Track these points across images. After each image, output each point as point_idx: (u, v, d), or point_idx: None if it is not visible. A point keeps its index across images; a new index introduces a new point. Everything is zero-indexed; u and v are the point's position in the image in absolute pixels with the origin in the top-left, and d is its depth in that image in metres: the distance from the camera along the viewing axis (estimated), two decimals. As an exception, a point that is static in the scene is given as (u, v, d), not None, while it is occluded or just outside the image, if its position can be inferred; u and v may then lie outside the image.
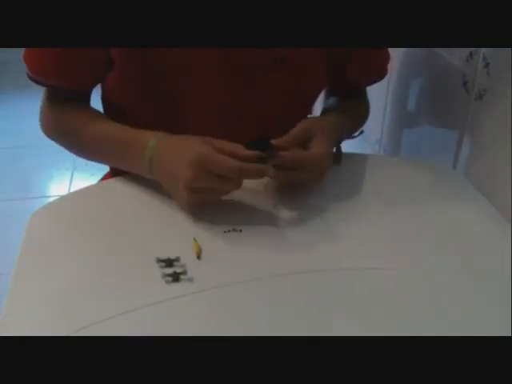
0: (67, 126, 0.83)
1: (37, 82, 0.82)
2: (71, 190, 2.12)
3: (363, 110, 0.97)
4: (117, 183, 0.78)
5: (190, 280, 0.61)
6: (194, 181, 0.67)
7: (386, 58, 0.93)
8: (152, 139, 0.73)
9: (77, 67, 0.81)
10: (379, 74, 0.94)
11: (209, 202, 0.71)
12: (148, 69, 0.80)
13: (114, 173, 0.94)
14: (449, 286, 0.62)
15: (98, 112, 0.84)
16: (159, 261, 0.63)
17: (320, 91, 0.96)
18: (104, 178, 0.96)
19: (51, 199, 0.80)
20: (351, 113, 0.91)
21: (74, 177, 2.22)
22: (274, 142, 0.71)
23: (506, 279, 0.62)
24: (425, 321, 0.57)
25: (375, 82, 0.95)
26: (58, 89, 0.83)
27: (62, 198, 0.83)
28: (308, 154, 0.73)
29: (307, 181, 0.75)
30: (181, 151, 0.70)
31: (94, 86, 0.85)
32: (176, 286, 0.60)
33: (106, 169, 0.97)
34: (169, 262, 0.62)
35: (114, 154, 0.79)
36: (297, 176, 0.73)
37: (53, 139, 0.87)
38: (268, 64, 0.82)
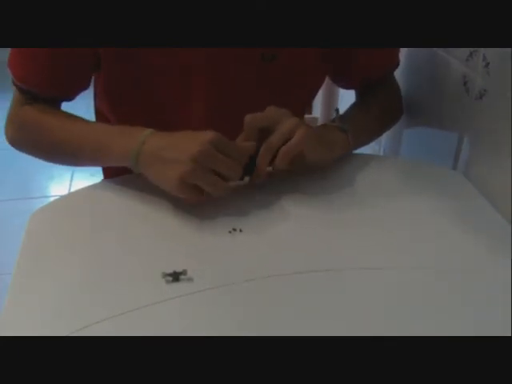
0: (44, 124, 0.81)
1: (21, 89, 0.82)
2: (71, 190, 2.12)
3: (384, 97, 0.95)
4: (117, 183, 0.78)
5: (190, 280, 0.61)
6: (201, 156, 0.66)
7: (393, 49, 0.92)
8: (150, 129, 0.72)
9: (62, 74, 0.81)
10: (388, 64, 0.94)
11: (199, 193, 0.69)
12: (135, 70, 0.80)
13: (109, 174, 0.94)
14: (449, 286, 0.62)
15: (71, 113, 0.84)
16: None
17: (316, 90, 0.95)
18: (104, 178, 0.96)
19: (51, 199, 0.80)
20: (364, 106, 0.91)
21: (74, 177, 2.22)
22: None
23: (506, 279, 0.62)
24: (425, 321, 0.57)
25: (387, 73, 0.95)
26: (39, 95, 0.82)
27: (62, 198, 0.83)
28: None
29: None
30: (188, 132, 0.70)
31: (77, 93, 0.85)
32: (176, 286, 0.60)
33: (106, 169, 0.97)
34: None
35: (99, 140, 0.76)
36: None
37: (24, 146, 0.85)
38: (256, 59, 0.81)
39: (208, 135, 0.67)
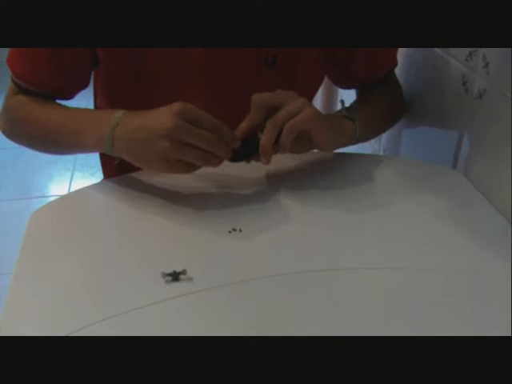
0: (31, 111, 0.81)
1: (20, 86, 0.82)
2: (71, 190, 2.12)
3: (384, 95, 0.95)
4: (117, 183, 0.78)
5: (190, 280, 0.61)
6: (173, 131, 0.66)
7: (393, 49, 0.93)
8: (121, 111, 0.72)
9: (61, 73, 0.81)
10: (387, 65, 0.94)
11: (188, 167, 0.69)
12: (135, 70, 0.80)
13: (109, 174, 0.94)
14: (448, 286, 0.62)
15: (60, 103, 0.84)
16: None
17: (316, 90, 0.96)
18: (104, 178, 0.96)
19: (51, 199, 0.80)
20: (366, 102, 0.91)
21: (74, 177, 2.22)
22: (238, 131, 0.72)
23: (506, 279, 0.62)
24: (425, 321, 0.57)
25: (386, 73, 0.95)
26: (38, 93, 0.82)
27: (62, 198, 0.83)
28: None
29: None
30: (156, 110, 0.69)
31: (75, 92, 0.85)
32: (176, 286, 0.60)
33: (105, 169, 0.97)
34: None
35: (76, 125, 0.76)
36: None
37: (15, 135, 0.85)
38: (259, 63, 0.81)
39: (175, 107, 0.67)
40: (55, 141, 0.80)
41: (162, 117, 0.67)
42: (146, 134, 0.68)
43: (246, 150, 0.73)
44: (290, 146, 0.71)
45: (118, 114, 0.71)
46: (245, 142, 0.72)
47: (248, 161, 0.74)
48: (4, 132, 0.86)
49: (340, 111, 0.83)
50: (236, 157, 0.72)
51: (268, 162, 0.72)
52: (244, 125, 0.72)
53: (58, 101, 0.85)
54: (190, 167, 0.70)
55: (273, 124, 0.70)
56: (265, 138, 0.71)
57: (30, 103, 0.82)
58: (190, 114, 0.67)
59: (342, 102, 0.86)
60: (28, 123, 0.82)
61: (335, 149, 0.80)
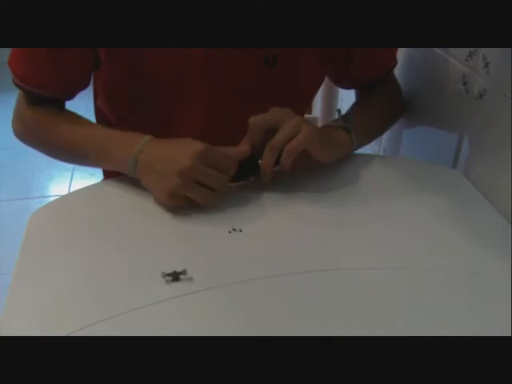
0: (51, 127, 0.82)
1: (21, 88, 0.82)
2: (71, 190, 2.12)
3: (384, 95, 0.95)
4: (117, 183, 0.78)
5: (190, 280, 0.61)
6: (188, 171, 0.68)
7: (392, 49, 0.93)
8: (148, 136, 0.74)
9: (62, 74, 0.81)
10: (388, 65, 0.94)
11: (190, 203, 0.71)
12: (135, 70, 0.80)
13: (109, 174, 0.94)
14: (448, 286, 0.62)
15: (78, 115, 0.84)
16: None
17: (316, 90, 0.96)
18: (104, 178, 0.96)
19: (51, 199, 0.80)
20: (364, 105, 0.92)
21: (74, 177, 2.22)
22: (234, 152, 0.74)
23: (506, 279, 0.62)
24: (425, 321, 0.57)
25: (386, 73, 0.95)
26: (39, 95, 0.82)
27: (62, 198, 0.83)
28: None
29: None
30: (179, 143, 0.71)
31: (76, 93, 0.85)
32: (176, 286, 0.60)
33: (106, 169, 0.97)
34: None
35: (100, 145, 0.77)
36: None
37: (31, 142, 0.85)
38: (259, 63, 0.81)
39: (197, 148, 0.69)
40: (78, 160, 0.82)
41: (183, 154, 0.69)
42: (165, 165, 0.70)
43: (245, 172, 0.75)
44: (290, 165, 0.73)
45: (144, 139, 0.73)
46: (243, 163, 0.73)
47: (247, 179, 0.76)
48: (18, 138, 0.86)
49: (337, 121, 0.84)
50: (234, 178, 0.74)
51: (268, 183, 0.75)
52: (243, 148, 0.74)
53: (62, 101, 0.85)
54: (192, 203, 0.71)
55: (271, 148, 0.72)
56: (264, 162, 0.73)
57: (46, 119, 0.82)
58: (209, 156, 0.69)
59: (339, 111, 0.86)
60: (47, 137, 0.83)
61: (334, 161, 0.80)
